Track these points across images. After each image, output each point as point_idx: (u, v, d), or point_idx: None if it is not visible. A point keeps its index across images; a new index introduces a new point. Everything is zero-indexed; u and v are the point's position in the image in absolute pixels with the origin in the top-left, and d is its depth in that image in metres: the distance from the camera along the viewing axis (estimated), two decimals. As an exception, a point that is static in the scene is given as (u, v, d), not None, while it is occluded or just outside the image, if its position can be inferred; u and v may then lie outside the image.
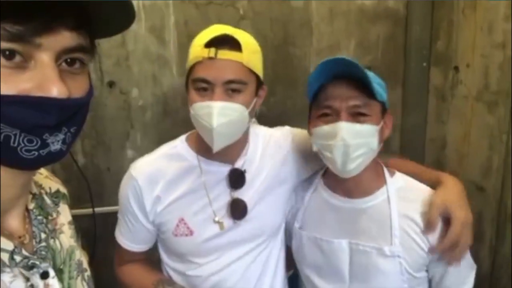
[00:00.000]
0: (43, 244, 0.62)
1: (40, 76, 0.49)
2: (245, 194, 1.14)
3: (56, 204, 0.73)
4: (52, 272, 0.60)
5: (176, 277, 1.18)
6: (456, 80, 1.85)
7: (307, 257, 1.15)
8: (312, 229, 1.15)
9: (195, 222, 1.11)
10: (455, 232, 0.98)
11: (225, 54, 0.98)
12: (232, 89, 1.00)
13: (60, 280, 0.62)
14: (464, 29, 1.79)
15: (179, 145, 1.16)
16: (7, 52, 0.46)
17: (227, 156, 1.12)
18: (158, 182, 1.10)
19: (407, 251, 1.02)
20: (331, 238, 1.10)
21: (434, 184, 1.08)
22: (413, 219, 1.04)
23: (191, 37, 1.10)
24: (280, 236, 1.24)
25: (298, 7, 1.85)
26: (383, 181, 1.09)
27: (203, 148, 1.10)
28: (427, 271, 1.06)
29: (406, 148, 2.05)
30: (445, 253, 1.01)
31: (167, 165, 1.12)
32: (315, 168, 1.22)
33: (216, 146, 1.03)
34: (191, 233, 1.10)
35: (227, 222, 1.12)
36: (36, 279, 0.58)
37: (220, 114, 0.98)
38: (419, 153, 2.06)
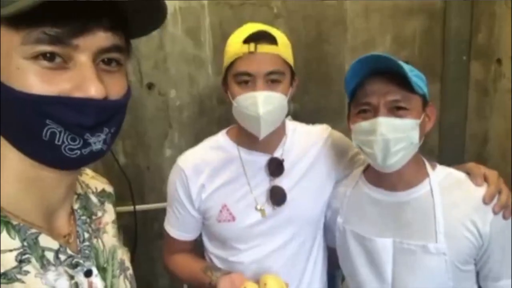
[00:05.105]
0: (87, 243, 0.65)
1: (79, 76, 0.51)
2: (284, 181, 1.18)
3: (102, 203, 0.75)
4: (95, 270, 0.62)
5: (218, 264, 1.23)
6: (498, 73, 1.79)
7: (351, 254, 1.15)
8: (354, 224, 1.15)
9: (237, 209, 1.17)
10: (495, 180, 1.02)
11: (264, 48, 1.05)
12: (272, 80, 1.07)
13: (103, 278, 0.64)
14: (507, 21, 1.72)
15: (221, 138, 1.24)
16: (48, 55, 0.49)
17: (266, 146, 1.18)
18: (203, 172, 1.17)
19: (453, 243, 1.01)
20: (374, 237, 1.09)
21: None
22: (458, 206, 1.02)
23: (226, 37, 1.13)
24: (320, 233, 1.26)
25: (332, 4, 1.84)
26: (426, 174, 1.08)
27: (243, 140, 1.18)
28: (475, 264, 1.04)
29: (446, 144, 2.00)
30: (494, 201, 1.00)
31: (210, 156, 1.20)
32: (347, 171, 1.24)
33: (263, 133, 1.09)
34: (233, 219, 1.17)
35: (267, 208, 1.17)
36: (80, 277, 0.60)
37: (264, 103, 1.04)
38: (459, 149, 2.00)
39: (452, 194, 1.04)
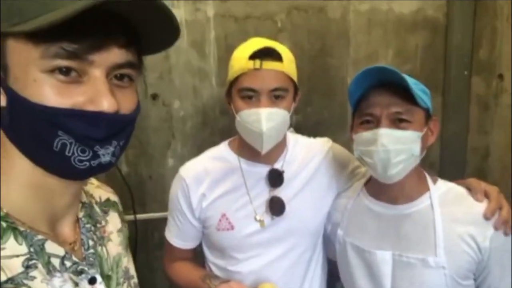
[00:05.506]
0: (91, 251, 0.66)
1: (93, 90, 0.53)
2: (283, 192, 1.20)
3: (106, 213, 0.76)
4: (99, 278, 0.64)
5: (217, 273, 1.24)
6: (500, 88, 1.80)
7: (350, 266, 1.15)
8: (354, 237, 1.15)
9: (236, 218, 1.18)
10: (496, 196, 1.03)
11: (269, 65, 1.07)
12: (276, 96, 1.08)
13: (108, 286, 0.65)
14: (508, 36, 1.74)
15: (222, 148, 1.26)
16: (64, 69, 0.51)
17: (267, 158, 1.19)
18: (204, 181, 1.19)
19: (452, 257, 1.01)
20: (373, 249, 1.09)
21: None
22: (458, 220, 1.02)
23: (230, 50, 1.15)
24: (319, 245, 1.27)
25: (335, 18, 1.86)
26: (427, 188, 1.08)
27: (245, 151, 1.20)
28: (474, 279, 1.04)
29: (447, 157, 2.00)
30: (495, 217, 1.01)
31: (212, 166, 1.21)
32: (348, 184, 1.25)
33: (265, 148, 1.11)
34: (232, 227, 1.18)
35: (266, 219, 1.18)
36: (85, 284, 0.61)
37: (268, 119, 1.06)
38: (460, 162, 2.01)
39: (453, 209, 1.04)
